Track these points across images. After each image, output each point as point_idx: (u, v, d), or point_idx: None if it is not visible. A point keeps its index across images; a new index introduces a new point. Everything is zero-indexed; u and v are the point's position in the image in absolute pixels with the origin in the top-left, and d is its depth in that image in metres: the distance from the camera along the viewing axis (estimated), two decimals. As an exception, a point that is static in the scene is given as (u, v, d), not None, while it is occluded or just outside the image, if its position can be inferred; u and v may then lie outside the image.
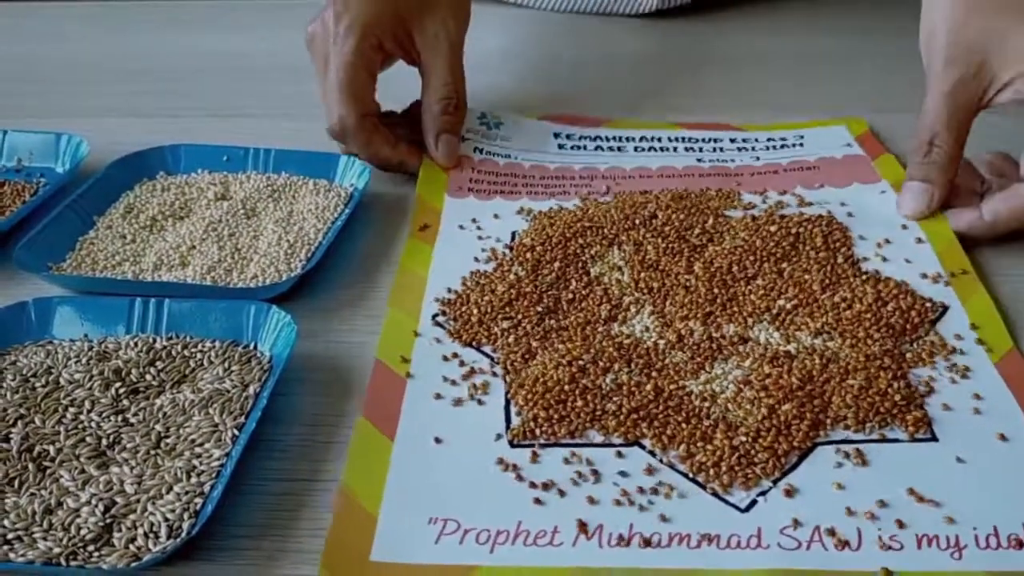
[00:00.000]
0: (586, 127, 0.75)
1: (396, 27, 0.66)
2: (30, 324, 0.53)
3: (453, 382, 0.50)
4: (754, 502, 0.43)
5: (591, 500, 0.43)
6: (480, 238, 0.62)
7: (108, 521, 0.42)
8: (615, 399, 0.48)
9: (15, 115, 0.78)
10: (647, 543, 0.41)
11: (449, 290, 0.57)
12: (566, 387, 0.49)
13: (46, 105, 0.83)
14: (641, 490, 0.44)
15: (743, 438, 0.46)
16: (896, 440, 0.46)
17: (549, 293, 0.56)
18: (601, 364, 0.50)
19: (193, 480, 0.43)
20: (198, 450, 0.45)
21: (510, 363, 0.51)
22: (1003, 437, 0.46)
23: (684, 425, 0.47)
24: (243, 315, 0.52)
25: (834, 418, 0.47)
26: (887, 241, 0.60)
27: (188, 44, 0.95)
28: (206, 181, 0.67)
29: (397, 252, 0.61)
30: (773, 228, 0.60)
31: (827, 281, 0.56)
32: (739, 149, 0.72)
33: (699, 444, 0.46)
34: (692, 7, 0.96)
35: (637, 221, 0.60)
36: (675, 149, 0.72)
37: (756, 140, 0.73)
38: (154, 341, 0.52)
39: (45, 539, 0.41)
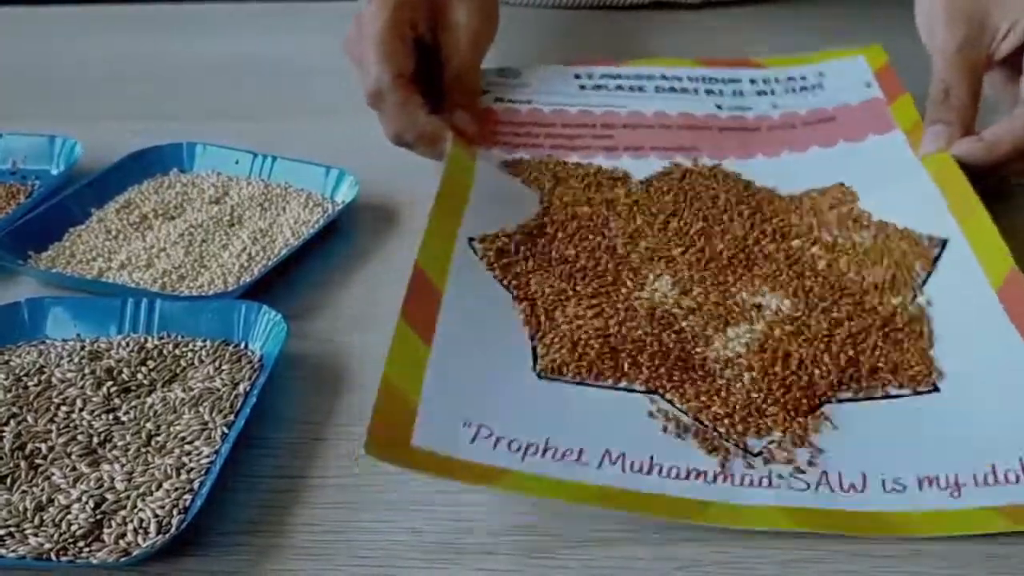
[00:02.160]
0: (606, 66, 0.75)
1: (426, 11, 0.68)
2: (23, 324, 0.54)
3: (486, 307, 0.53)
4: (767, 449, 0.45)
5: (615, 433, 0.46)
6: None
7: (98, 517, 0.42)
8: (639, 354, 0.50)
9: (10, 117, 0.78)
10: (667, 473, 0.44)
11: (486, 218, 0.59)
12: (592, 338, 0.51)
13: (41, 108, 0.83)
14: (664, 430, 0.46)
15: (756, 394, 0.48)
16: (900, 395, 0.48)
17: (575, 254, 0.58)
18: (624, 320, 0.52)
19: (183, 477, 0.44)
20: (188, 448, 0.45)
21: (539, 307, 0.53)
22: (1001, 377, 0.48)
23: (701, 382, 0.49)
24: (234, 315, 0.53)
25: (839, 379, 0.49)
26: (889, 186, 0.61)
27: (185, 47, 0.95)
28: (209, 183, 0.68)
29: (391, 251, 0.61)
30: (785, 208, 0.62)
31: (834, 248, 0.58)
32: (759, 93, 0.73)
33: (715, 397, 0.48)
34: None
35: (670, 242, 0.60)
36: (695, 91, 0.73)
37: (776, 80, 0.73)
38: (145, 341, 0.52)
39: (36, 535, 0.41)
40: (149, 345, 0.52)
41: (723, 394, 0.48)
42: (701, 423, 0.47)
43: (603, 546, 0.42)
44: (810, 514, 0.42)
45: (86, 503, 0.42)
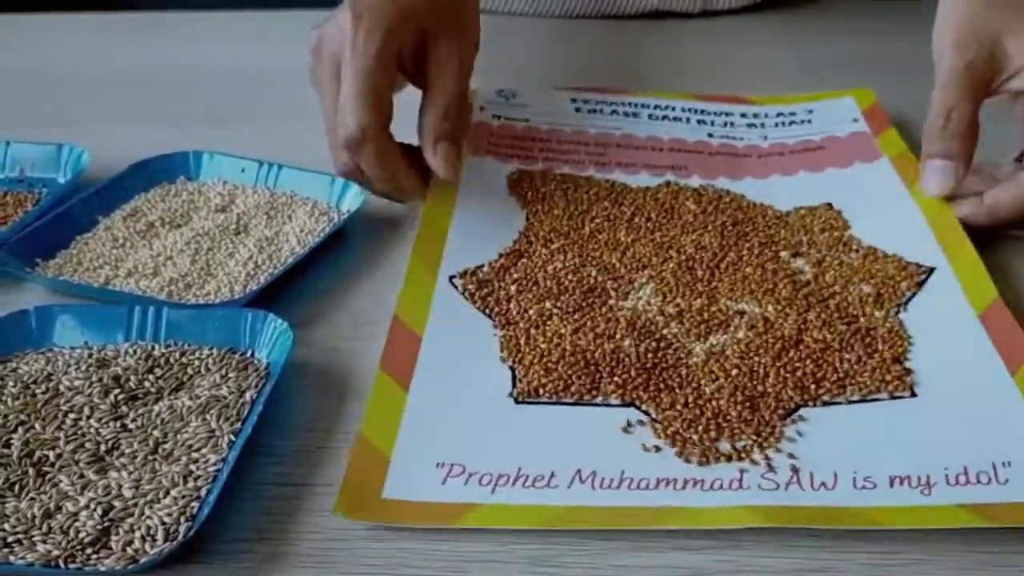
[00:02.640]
0: (602, 94, 0.77)
1: (416, 40, 0.63)
2: (31, 332, 0.54)
3: (465, 342, 0.53)
4: (737, 451, 0.46)
5: (587, 451, 0.46)
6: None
7: (106, 524, 0.42)
8: (617, 368, 0.51)
9: (18, 125, 0.78)
10: (636, 486, 0.44)
11: (467, 252, 0.60)
12: (569, 355, 0.52)
13: (49, 116, 0.84)
14: (638, 443, 0.47)
15: (730, 399, 0.49)
16: (876, 399, 0.49)
17: (560, 268, 0.59)
18: (605, 333, 0.53)
19: (190, 485, 0.44)
20: (195, 455, 0.46)
21: (519, 329, 0.54)
22: (979, 387, 0.49)
23: (677, 390, 0.50)
24: (240, 323, 0.53)
25: (817, 384, 0.50)
26: (878, 213, 0.62)
27: (193, 54, 0.95)
28: (215, 191, 0.68)
29: (396, 259, 0.61)
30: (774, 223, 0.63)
31: (818, 266, 0.58)
32: (749, 125, 0.75)
33: (689, 404, 0.49)
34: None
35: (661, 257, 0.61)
36: (688, 120, 0.75)
37: (766, 115, 0.76)
38: (153, 348, 0.53)
39: (44, 542, 0.42)
40: (156, 353, 0.52)
41: (699, 402, 0.49)
42: (675, 430, 0.47)
43: (610, 554, 0.42)
44: (780, 511, 0.43)
45: (94, 510, 0.43)
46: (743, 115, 0.76)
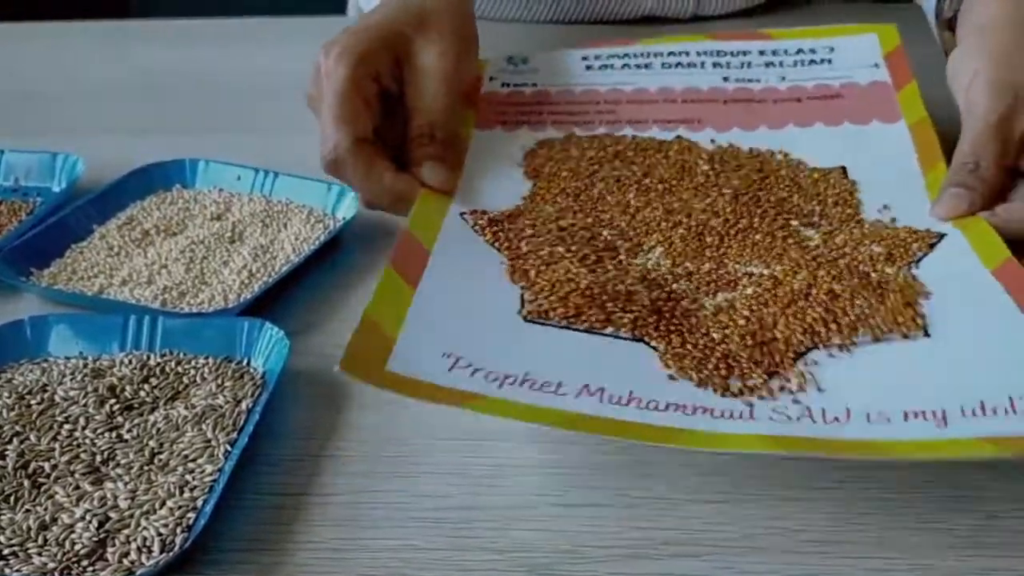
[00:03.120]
0: (614, 46, 0.75)
1: (390, 59, 0.62)
2: (26, 342, 0.54)
3: (474, 262, 0.53)
4: (748, 387, 0.46)
5: (596, 369, 0.46)
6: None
7: (102, 536, 0.42)
8: (628, 304, 0.50)
9: (12, 134, 0.78)
10: (644, 406, 0.44)
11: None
12: (582, 288, 0.51)
13: (43, 124, 0.84)
14: (647, 369, 0.47)
15: (741, 342, 0.48)
16: (889, 340, 0.48)
17: (570, 223, 0.58)
18: (616, 277, 0.52)
19: (186, 495, 0.44)
20: (191, 465, 0.45)
21: (530, 263, 0.54)
22: (994, 328, 0.48)
23: (688, 333, 0.49)
24: (236, 331, 0.53)
25: (827, 328, 0.49)
26: (891, 200, 0.60)
27: (187, 63, 0.95)
28: (211, 199, 0.68)
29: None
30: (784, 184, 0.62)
31: (831, 233, 0.57)
32: (767, 64, 0.72)
33: (700, 344, 0.48)
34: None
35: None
36: (702, 64, 0.73)
37: (785, 52, 0.73)
38: (148, 358, 0.53)
39: (40, 554, 0.41)
40: (152, 362, 0.52)
41: (709, 344, 0.48)
42: (685, 365, 0.47)
43: (608, 563, 0.42)
44: (791, 440, 0.42)
45: (90, 522, 0.43)
46: (761, 52, 0.73)
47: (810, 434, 0.42)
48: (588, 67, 0.74)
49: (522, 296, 0.51)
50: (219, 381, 0.51)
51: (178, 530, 0.42)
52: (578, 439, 0.48)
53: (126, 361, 0.52)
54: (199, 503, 0.43)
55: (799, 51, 0.73)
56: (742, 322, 0.50)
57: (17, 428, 0.48)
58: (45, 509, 0.44)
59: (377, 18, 0.63)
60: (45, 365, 0.53)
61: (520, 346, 0.47)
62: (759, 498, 0.44)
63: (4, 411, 0.49)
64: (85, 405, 0.49)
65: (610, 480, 0.46)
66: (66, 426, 0.48)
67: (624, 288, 0.51)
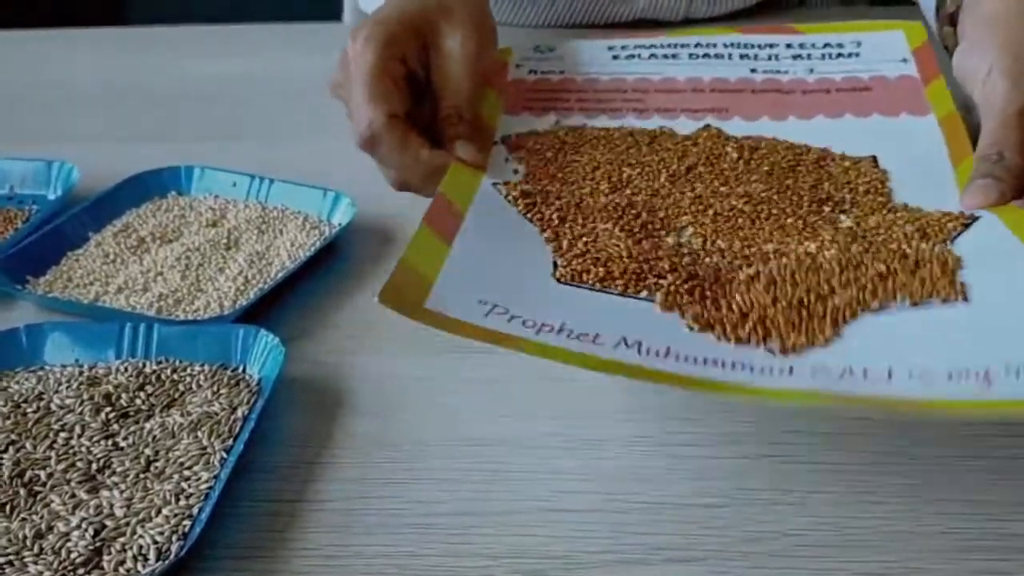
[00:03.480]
0: (640, 38, 0.75)
1: (416, 43, 0.63)
2: (22, 350, 0.54)
3: (508, 226, 0.53)
4: (788, 347, 0.45)
5: (633, 325, 0.45)
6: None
7: (98, 544, 0.42)
8: (661, 269, 0.50)
9: (8, 141, 0.78)
10: (683, 359, 0.43)
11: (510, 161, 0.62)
12: (615, 255, 0.51)
13: (38, 131, 0.84)
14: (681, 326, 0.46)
15: (777, 307, 0.47)
16: (928, 305, 0.47)
17: (602, 199, 0.58)
18: (649, 247, 0.52)
19: (182, 503, 0.44)
20: (187, 473, 0.46)
21: (563, 230, 0.54)
22: None
23: (722, 299, 0.48)
24: (231, 339, 0.53)
25: (867, 295, 0.48)
26: (922, 192, 0.59)
27: (182, 69, 0.95)
28: (206, 206, 0.68)
29: (385, 275, 0.61)
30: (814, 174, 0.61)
31: (862, 214, 0.57)
32: (794, 57, 0.72)
33: (734, 309, 0.47)
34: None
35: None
36: (730, 56, 0.72)
37: (812, 45, 0.73)
38: (144, 366, 0.53)
39: (36, 563, 0.41)
40: (147, 370, 0.52)
41: (746, 308, 0.47)
42: (723, 327, 0.46)
43: (602, 569, 0.42)
44: (832, 396, 0.42)
45: (85, 530, 0.43)
46: (788, 45, 0.73)
47: (853, 390, 0.42)
48: (615, 57, 0.73)
49: (555, 261, 0.51)
50: (215, 388, 0.51)
51: (174, 538, 0.42)
52: (577, 444, 0.48)
53: (122, 369, 0.52)
54: (195, 510, 0.44)
55: (826, 45, 0.73)
56: (778, 291, 0.49)
57: (13, 436, 0.48)
58: (41, 517, 0.44)
59: (400, 6, 0.64)
60: (41, 373, 0.53)
61: (555, 300, 0.47)
62: (753, 503, 0.45)
63: (0, 419, 0.49)
64: (81, 413, 0.49)
65: (603, 486, 0.46)
66: (62, 434, 0.48)
67: (658, 255, 0.51)
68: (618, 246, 0.52)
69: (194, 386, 0.51)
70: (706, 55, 0.73)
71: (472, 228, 0.52)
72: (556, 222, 0.55)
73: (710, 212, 0.57)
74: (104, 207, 0.67)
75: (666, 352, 0.44)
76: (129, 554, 0.42)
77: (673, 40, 0.74)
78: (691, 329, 0.46)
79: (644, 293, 0.49)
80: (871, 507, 0.44)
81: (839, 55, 0.72)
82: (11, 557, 0.42)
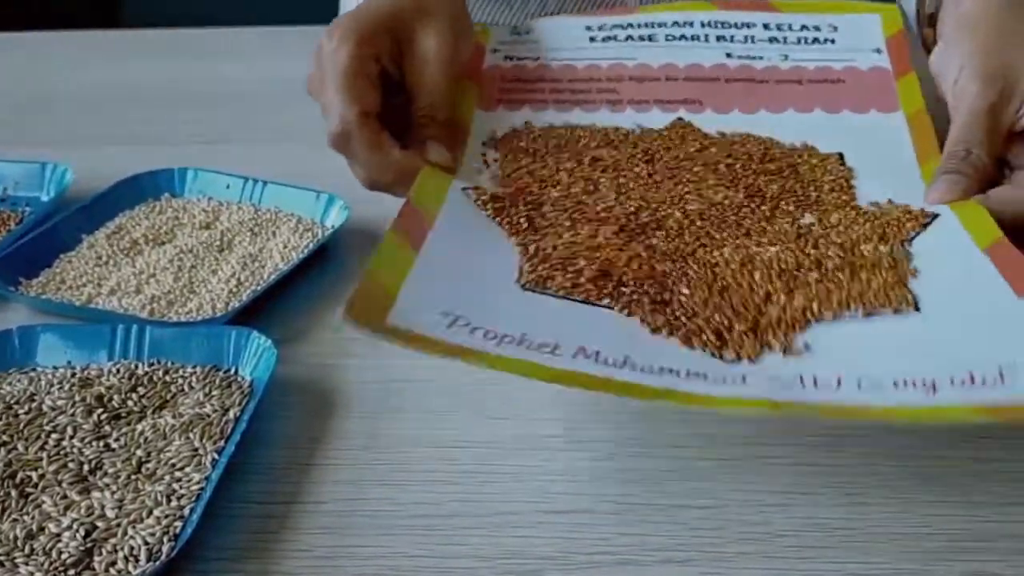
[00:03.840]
0: (618, 15, 0.75)
1: (391, 43, 0.63)
2: (14, 351, 0.54)
3: (476, 232, 0.54)
4: (740, 353, 0.46)
5: (592, 333, 0.46)
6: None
7: (89, 545, 0.42)
8: (626, 275, 0.51)
9: (2, 143, 0.78)
10: (640, 369, 0.44)
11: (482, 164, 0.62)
12: (582, 258, 0.52)
13: (32, 133, 0.84)
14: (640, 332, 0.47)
15: (733, 315, 0.49)
16: (880, 313, 0.49)
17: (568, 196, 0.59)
18: (620, 237, 0.54)
19: (173, 504, 0.44)
20: (178, 474, 0.46)
21: (530, 234, 0.54)
22: (985, 304, 0.48)
23: (680, 307, 0.49)
24: (224, 340, 0.53)
25: (821, 304, 0.49)
26: (886, 189, 0.60)
27: (177, 72, 0.95)
28: (200, 208, 0.68)
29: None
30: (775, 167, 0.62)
31: (825, 214, 0.58)
32: (770, 39, 0.72)
33: (692, 317, 0.48)
34: None
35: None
36: (706, 38, 0.72)
37: (790, 27, 0.73)
38: (136, 367, 0.53)
39: (27, 564, 0.41)
40: (139, 372, 0.52)
41: (702, 317, 0.48)
42: (680, 335, 0.47)
43: (595, 570, 0.42)
44: (785, 404, 0.43)
45: (76, 531, 0.43)
46: (765, 26, 0.73)
47: (803, 398, 0.43)
48: (592, 39, 0.73)
49: (521, 267, 0.51)
50: (207, 390, 0.51)
51: (165, 539, 0.42)
52: (569, 445, 0.48)
53: (114, 371, 0.52)
54: (186, 512, 0.44)
55: (803, 27, 0.73)
56: (734, 299, 0.50)
57: (4, 438, 0.48)
58: (32, 518, 0.44)
59: (376, 4, 0.64)
60: (33, 375, 0.53)
61: (518, 309, 0.48)
62: (745, 503, 0.45)
63: (-9, 421, 0.49)
64: (73, 415, 0.49)
65: (597, 486, 0.46)
66: (54, 435, 0.48)
67: (622, 262, 0.52)
68: (583, 253, 0.52)
69: (186, 388, 0.51)
70: (683, 36, 0.72)
71: (439, 234, 0.52)
72: (524, 226, 0.55)
73: (678, 215, 0.57)
74: (97, 209, 0.67)
75: (623, 361, 0.44)
76: (120, 555, 0.41)
77: (650, 18, 0.73)
78: (649, 337, 0.47)
79: (606, 300, 0.49)
80: (862, 508, 0.44)
81: (815, 40, 0.72)
82: (2, 558, 0.42)
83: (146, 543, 0.42)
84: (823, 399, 0.43)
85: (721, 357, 0.46)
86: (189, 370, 0.52)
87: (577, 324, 0.47)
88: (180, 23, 1.06)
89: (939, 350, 0.46)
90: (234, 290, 0.59)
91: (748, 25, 0.72)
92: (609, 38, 0.73)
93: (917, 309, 0.49)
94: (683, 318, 0.48)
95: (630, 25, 0.73)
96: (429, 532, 0.44)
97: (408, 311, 0.44)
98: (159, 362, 0.53)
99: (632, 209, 0.58)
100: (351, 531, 0.44)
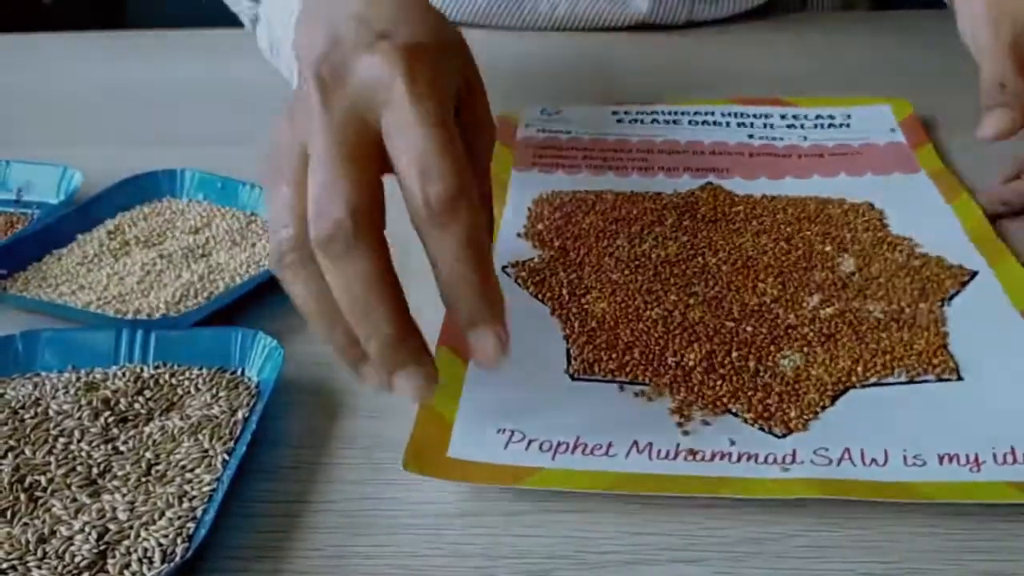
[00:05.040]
0: (643, 104, 0.80)
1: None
2: (17, 356, 0.54)
3: (522, 320, 0.53)
4: (790, 431, 0.48)
5: (643, 424, 0.48)
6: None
7: (102, 548, 0.42)
8: (670, 358, 0.53)
9: (11, 144, 0.78)
10: (692, 456, 0.46)
11: (519, 234, 0.64)
12: (623, 336, 0.54)
13: (42, 136, 0.83)
14: (689, 419, 0.49)
15: (783, 384, 0.50)
16: (924, 381, 0.50)
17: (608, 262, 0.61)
18: (659, 323, 0.55)
19: (185, 505, 0.44)
20: (189, 476, 0.46)
21: (573, 312, 0.56)
22: (1022, 370, 0.50)
23: (724, 382, 0.51)
24: (230, 342, 0.53)
25: (864, 366, 0.51)
26: (920, 224, 0.63)
27: (188, 72, 0.95)
28: (196, 211, 0.68)
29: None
30: (814, 223, 0.64)
31: (862, 260, 0.60)
32: (788, 126, 0.77)
33: (743, 391, 0.50)
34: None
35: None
36: (728, 124, 0.77)
37: (805, 117, 0.78)
38: (141, 370, 0.53)
39: (40, 567, 0.41)
40: (145, 374, 0.52)
41: (747, 390, 0.50)
42: (730, 413, 0.49)
43: (607, 569, 0.42)
44: (833, 484, 0.44)
45: (89, 534, 0.42)
46: (782, 116, 0.78)
47: (851, 476, 0.45)
48: (619, 120, 0.78)
49: (568, 351, 0.53)
50: (214, 392, 0.51)
51: (179, 540, 0.42)
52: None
53: (119, 374, 0.52)
54: (198, 513, 0.44)
55: (818, 116, 0.78)
56: (783, 361, 0.52)
57: (11, 442, 0.48)
58: (43, 522, 0.43)
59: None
60: (37, 379, 0.52)
61: (569, 410, 0.50)
62: (757, 503, 0.45)
63: (-2, 425, 0.49)
64: (79, 418, 0.49)
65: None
66: (61, 439, 0.48)
67: (666, 337, 0.54)
68: (626, 331, 0.54)
69: (192, 389, 0.51)
70: (705, 122, 0.77)
71: None
72: (566, 298, 0.57)
73: (716, 260, 0.60)
74: (95, 208, 0.67)
75: (676, 451, 0.47)
76: (134, 557, 0.41)
77: (674, 108, 0.79)
78: (702, 424, 0.49)
79: (650, 378, 0.51)
80: (873, 507, 0.44)
81: (830, 124, 0.76)
82: (14, 562, 0.42)
83: (160, 545, 0.42)
84: (870, 478, 0.44)
85: (769, 430, 0.48)
86: (195, 372, 0.52)
87: (627, 414, 0.49)
88: (188, 24, 1.05)
89: (982, 421, 0.47)
90: (193, 292, 0.59)
91: (766, 116, 0.78)
92: (635, 120, 0.78)
93: (960, 377, 0.50)
94: (727, 396, 0.50)
95: (655, 112, 0.79)
96: (440, 531, 0.44)
97: (466, 438, 0.47)
98: (165, 364, 0.53)
99: (671, 257, 0.60)
100: (361, 530, 0.44)
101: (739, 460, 0.46)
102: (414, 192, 0.42)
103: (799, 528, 0.44)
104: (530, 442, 0.47)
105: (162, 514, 0.43)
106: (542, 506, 0.45)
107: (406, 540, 0.44)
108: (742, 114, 0.78)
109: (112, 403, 0.50)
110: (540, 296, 0.58)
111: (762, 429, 0.48)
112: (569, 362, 0.53)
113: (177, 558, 0.41)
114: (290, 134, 0.45)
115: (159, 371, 0.52)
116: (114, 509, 0.44)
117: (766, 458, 0.46)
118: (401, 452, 0.48)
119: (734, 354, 0.52)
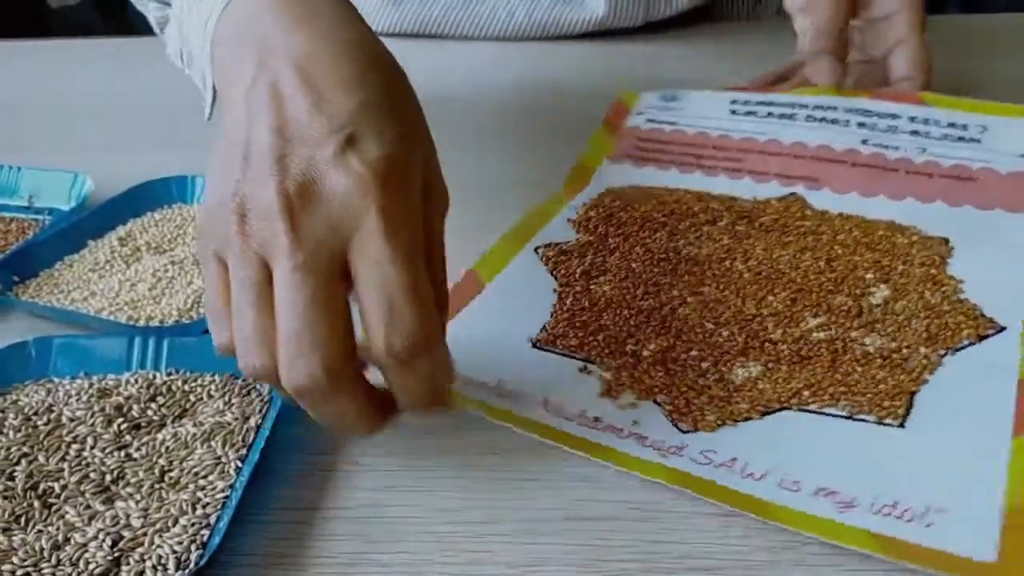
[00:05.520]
0: (764, 93, 0.76)
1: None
2: (30, 363, 0.54)
3: (523, 296, 0.58)
4: (696, 429, 0.48)
5: (566, 389, 0.51)
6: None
7: (116, 555, 0.42)
8: (630, 346, 0.54)
9: (23, 150, 0.78)
10: (593, 422, 0.49)
11: (570, 219, 0.65)
12: (597, 319, 0.55)
13: (54, 143, 0.84)
14: (615, 398, 0.51)
15: (722, 389, 0.51)
16: (863, 420, 0.48)
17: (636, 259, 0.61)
18: (635, 319, 0.56)
19: (199, 512, 0.44)
20: (202, 482, 0.45)
21: (576, 290, 0.58)
22: (969, 436, 0.46)
23: (666, 375, 0.52)
24: (243, 349, 0.53)
25: (813, 392, 0.50)
26: (982, 264, 0.58)
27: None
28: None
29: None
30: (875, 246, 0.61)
31: (897, 293, 0.56)
32: (912, 132, 0.69)
33: (676, 386, 0.51)
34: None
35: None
36: (847, 123, 0.71)
37: (936, 123, 0.70)
38: (154, 377, 0.52)
39: (54, 574, 0.41)
40: (158, 381, 0.52)
41: (681, 388, 0.51)
42: (665, 414, 0.50)
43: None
44: (688, 478, 0.45)
45: (103, 541, 0.42)
46: (912, 119, 0.70)
47: (715, 479, 0.45)
48: (733, 112, 0.74)
49: (545, 324, 0.55)
50: (226, 398, 0.51)
51: (193, 547, 0.42)
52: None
53: (132, 380, 0.52)
54: (212, 519, 0.43)
55: (950, 124, 0.70)
56: (731, 376, 0.51)
57: (25, 449, 0.48)
58: (57, 529, 0.43)
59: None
60: (50, 386, 0.52)
61: (517, 370, 0.52)
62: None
63: (11, 432, 0.49)
64: (92, 425, 0.49)
65: (624, 493, 0.46)
66: (74, 446, 0.48)
67: (639, 327, 0.55)
68: (609, 314, 0.56)
69: (205, 396, 0.51)
70: (823, 119, 0.72)
71: (484, 301, 0.57)
72: (576, 276, 0.58)
73: (739, 266, 0.59)
74: (109, 214, 0.68)
75: (578, 415, 0.50)
76: (148, 564, 0.41)
77: (794, 99, 0.74)
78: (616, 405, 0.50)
79: (602, 360, 0.53)
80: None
81: (960, 138, 0.69)
82: (29, 569, 0.41)
83: (174, 552, 0.42)
84: (734, 487, 0.45)
85: (676, 425, 0.49)
86: (207, 379, 0.52)
87: (546, 374, 0.52)
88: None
89: (885, 468, 0.45)
90: (188, 307, 0.59)
91: (893, 116, 0.71)
92: (750, 112, 0.74)
93: (903, 425, 0.47)
94: (657, 387, 0.51)
95: (772, 103, 0.74)
96: (456, 538, 0.44)
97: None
98: (177, 371, 0.53)
99: (699, 257, 0.60)
100: (376, 538, 0.44)
101: (628, 437, 0.48)
102: (377, 335, 0.41)
103: (812, 535, 0.43)
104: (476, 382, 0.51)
105: (176, 521, 0.43)
106: (559, 513, 0.45)
107: (421, 548, 0.44)
108: (868, 111, 0.71)
109: (125, 410, 0.50)
110: (554, 273, 0.59)
111: (672, 422, 0.48)
112: (540, 332, 0.55)
113: (191, 565, 0.41)
114: (243, 236, 0.42)
115: (171, 378, 0.52)
116: (128, 516, 0.44)
117: (653, 443, 0.47)
118: (419, 457, 0.48)
119: (692, 352, 0.53)
